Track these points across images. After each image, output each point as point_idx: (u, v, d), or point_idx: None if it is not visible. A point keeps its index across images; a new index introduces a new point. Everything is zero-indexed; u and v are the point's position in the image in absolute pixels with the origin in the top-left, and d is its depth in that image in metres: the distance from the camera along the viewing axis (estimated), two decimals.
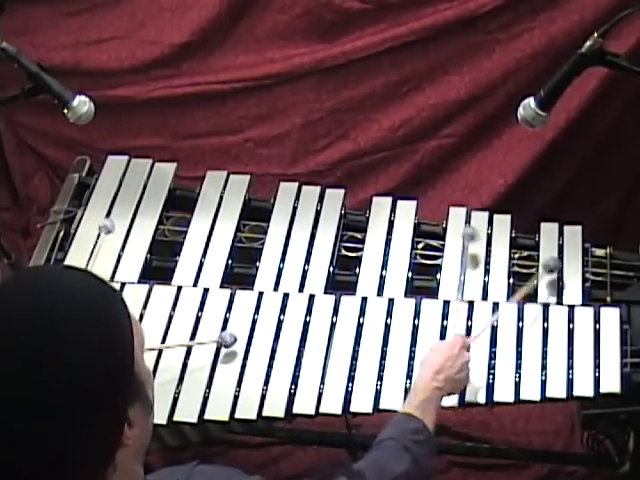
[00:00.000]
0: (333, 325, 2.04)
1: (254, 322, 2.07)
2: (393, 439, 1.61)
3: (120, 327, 1.07)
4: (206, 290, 2.12)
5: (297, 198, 2.30)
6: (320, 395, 1.94)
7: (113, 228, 2.18)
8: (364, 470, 1.54)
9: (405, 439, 1.61)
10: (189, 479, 1.41)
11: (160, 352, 2.02)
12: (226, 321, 2.06)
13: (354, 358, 1.99)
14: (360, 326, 2.04)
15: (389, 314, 2.06)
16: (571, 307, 2.06)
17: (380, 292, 2.11)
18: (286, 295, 2.11)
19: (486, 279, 2.12)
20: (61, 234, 2.26)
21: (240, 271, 2.19)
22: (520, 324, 2.03)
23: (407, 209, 2.27)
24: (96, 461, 1.05)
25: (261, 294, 2.11)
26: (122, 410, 1.06)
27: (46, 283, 1.07)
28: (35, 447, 1.00)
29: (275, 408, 1.94)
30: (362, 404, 1.93)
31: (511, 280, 2.12)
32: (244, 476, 1.47)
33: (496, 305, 2.07)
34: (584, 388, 1.94)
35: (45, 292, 1.05)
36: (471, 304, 2.07)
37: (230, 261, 2.18)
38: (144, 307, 2.09)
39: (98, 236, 2.21)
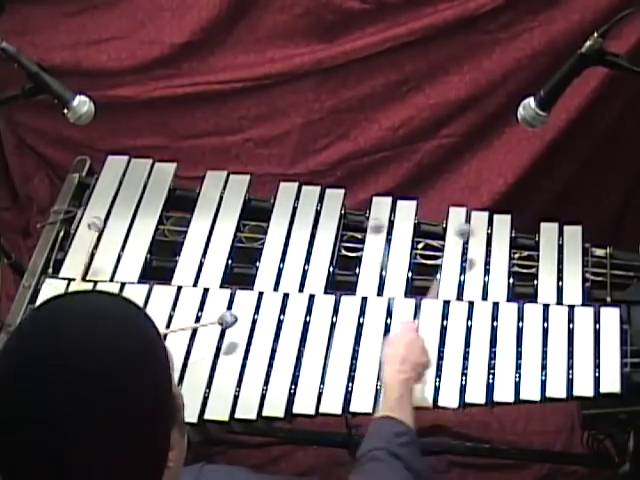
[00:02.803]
0: (333, 325, 2.04)
1: (254, 322, 2.07)
2: (380, 449, 1.57)
3: (161, 353, 1.09)
4: (206, 290, 2.12)
5: (297, 198, 2.30)
6: (320, 395, 1.94)
7: (101, 224, 2.20)
8: None
9: (392, 445, 1.58)
10: (199, 479, 1.42)
11: None
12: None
13: (354, 358, 1.99)
14: (360, 326, 2.04)
15: (389, 314, 2.06)
16: (571, 307, 2.06)
17: (380, 292, 2.11)
18: (286, 295, 2.11)
19: (486, 279, 2.12)
20: (61, 234, 2.26)
21: (240, 271, 2.19)
22: (520, 324, 2.03)
23: (407, 209, 2.27)
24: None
25: (261, 294, 2.11)
26: (167, 434, 1.08)
27: (77, 310, 1.06)
28: (92, 475, 1.00)
29: (275, 408, 1.94)
30: (362, 404, 1.93)
31: (511, 280, 2.12)
32: (253, 475, 1.47)
33: (496, 305, 2.07)
34: (584, 388, 1.94)
35: (78, 321, 1.04)
36: (471, 304, 2.07)
37: (230, 261, 2.18)
38: (144, 307, 2.09)
39: (99, 237, 2.21)
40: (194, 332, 2.05)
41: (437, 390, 1.94)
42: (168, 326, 2.06)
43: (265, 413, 1.93)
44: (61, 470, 1.00)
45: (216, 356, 2.01)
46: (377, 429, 1.64)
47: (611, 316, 2.02)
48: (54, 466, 1.00)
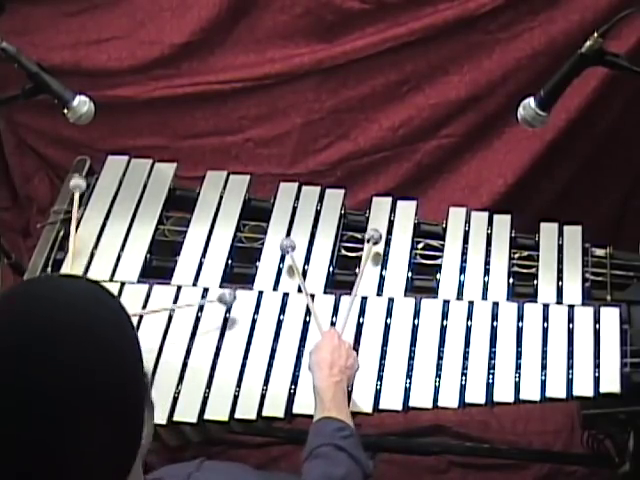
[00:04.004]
0: (333, 325, 2.04)
1: (254, 322, 2.07)
2: (324, 445, 1.62)
3: (131, 332, 1.09)
4: (206, 290, 2.12)
5: (297, 198, 2.30)
6: None
7: (84, 183, 2.23)
8: None
9: (335, 440, 1.62)
10: (198, 472, 1.43)
11: (160, 353, 2.02)
12: (226, 321, 2.06)
13: None
14: (360, 326, 2.04)
15: (389, 314, 2.06)
16: (571, 307, 2.06)
17: (380, 292, 2.11)
18: (286, 295, 2.11)
19: (486, 279, 2.12)
20: (61, 234, 2.26)
21: (240, 271, 2.19)
22: (520, 324, 2.03)
23: (407, 209, 2.27)
24: (124, 462, 1.07)
25: (261, 294, 2.11)
26: (141, 411, 1.08)
27: (56, 296, 1.06)
28: (73, 454, 1.01)
29: (275, 408, 1.94)
30: (362, 404, 1.93)
31: (511, 280, 2.12)
32: (252, 473, 1.47)
33: (496, 305, 2.07)
34: (584, 388, 1.94)
35: (59, 306, 1.04)
36: (471, 304, 2.07)
37: (230, 261, 2.18)
38: (144, 307, 2.10)
39: (99, 237, 2.21)
40: (194, 332, 2.05)
41: (437, 390, 1.95)
42: (168, 326, 2.06)
43: (265, 413, 1.94)
44: (43, 456, 1.00)
45: (216, 356, 2.01)
46: (317, 430, 1.68)
47: (611, 316, 2.03)
48: (38, 454, 1.00)
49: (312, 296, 2.09)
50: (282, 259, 2.17)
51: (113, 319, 1.07)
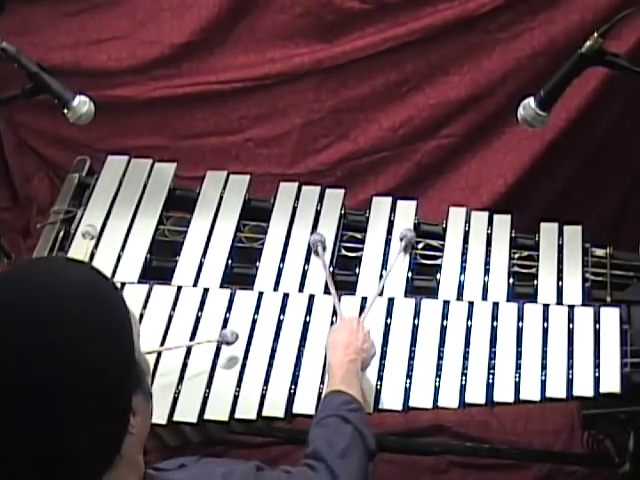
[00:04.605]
0: (333, 325, 2.04)
1: (254, 322, 2.07)
2: (330, 415, 1.62)
3: (120, 317, 1.10)
4: (206, 290, 2.12)
5: (297, 198, 2.30)
6: (320, 395, 1.94)
7: (96, 232, 2.20)
8: (319, 451, 1.54)
9: (340, 411, 1.63)
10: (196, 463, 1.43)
11: (160, 353, 2.02)
12: (226, 321, 2.06)
13: None
14: None
15: (389, 314, 2.06)
16: (571, 307, 2.06)
17: (380, 292, 2.10)
18: (286, 295, 2.11)
19: (486, 279, 2.12)
20: (61, 234, 2.26)
21: (240, 271, 2.19)
22: (520, 324, 2.03)
23: (407, 209, 2.27)
24: (106, 449, 1.07)
25: (261, 294, 2.11)
26: (128, 399, 1.09)
27: (45, 277, 1.08)
28: (46, 438, 1.01)
29: (275, 408, 1.94)
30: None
31: (511, 280, 2.12)
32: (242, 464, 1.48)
33: (496, 305, 2.07)
34: (584, 388, 1.94)
35: (45, 287, 1.06)
36: (471, 304, 2.07)
37: (230, 261, 2.18)
38: (144, 307, 2.09)
39: (98, 237, 2.21)
40: (194, 332, 2.05)
41: (437, 390, 1.94)
42: (168, 326, 2.06)
43: (265, 413, 1.93)
44: (17, 435, 1.01)
45: (216, 356, 2.01)
46: (325, 402, 1.69)
47: (611, 316, 2.03)
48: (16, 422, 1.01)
49: (312, 296, 2.09)
50: (282, 259, 2.17)
51: (104, 306, 1.08)
